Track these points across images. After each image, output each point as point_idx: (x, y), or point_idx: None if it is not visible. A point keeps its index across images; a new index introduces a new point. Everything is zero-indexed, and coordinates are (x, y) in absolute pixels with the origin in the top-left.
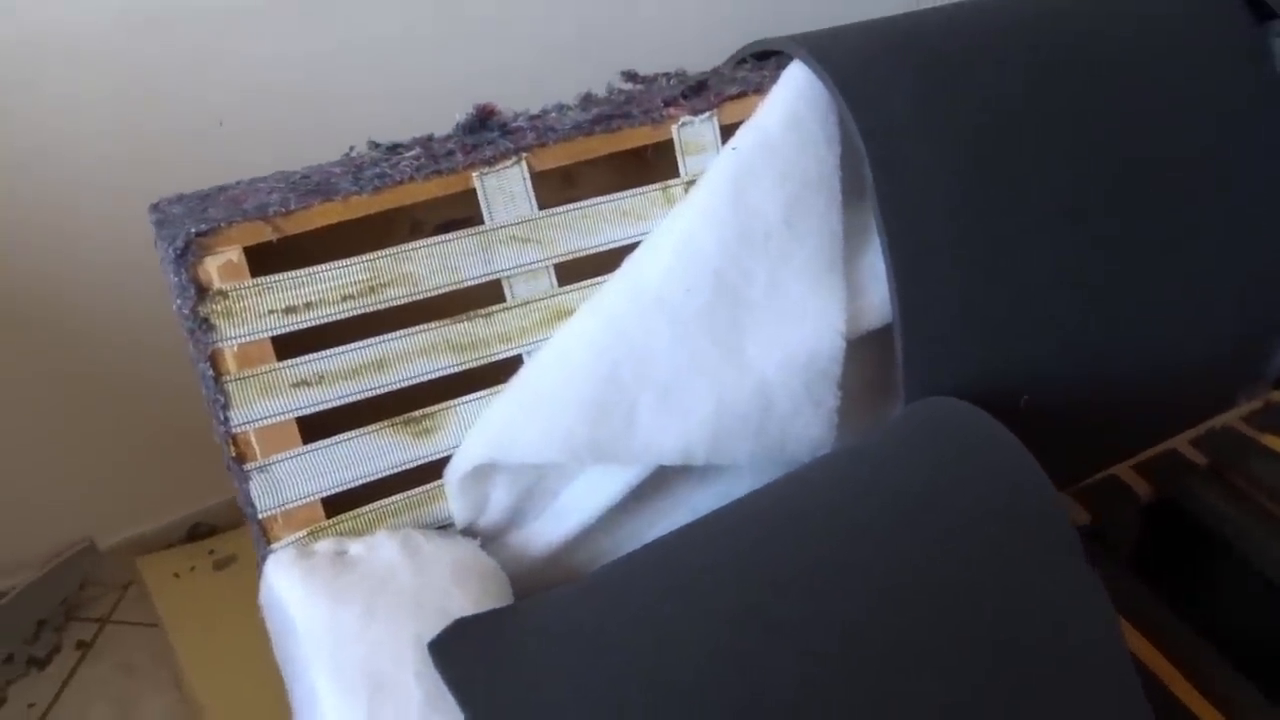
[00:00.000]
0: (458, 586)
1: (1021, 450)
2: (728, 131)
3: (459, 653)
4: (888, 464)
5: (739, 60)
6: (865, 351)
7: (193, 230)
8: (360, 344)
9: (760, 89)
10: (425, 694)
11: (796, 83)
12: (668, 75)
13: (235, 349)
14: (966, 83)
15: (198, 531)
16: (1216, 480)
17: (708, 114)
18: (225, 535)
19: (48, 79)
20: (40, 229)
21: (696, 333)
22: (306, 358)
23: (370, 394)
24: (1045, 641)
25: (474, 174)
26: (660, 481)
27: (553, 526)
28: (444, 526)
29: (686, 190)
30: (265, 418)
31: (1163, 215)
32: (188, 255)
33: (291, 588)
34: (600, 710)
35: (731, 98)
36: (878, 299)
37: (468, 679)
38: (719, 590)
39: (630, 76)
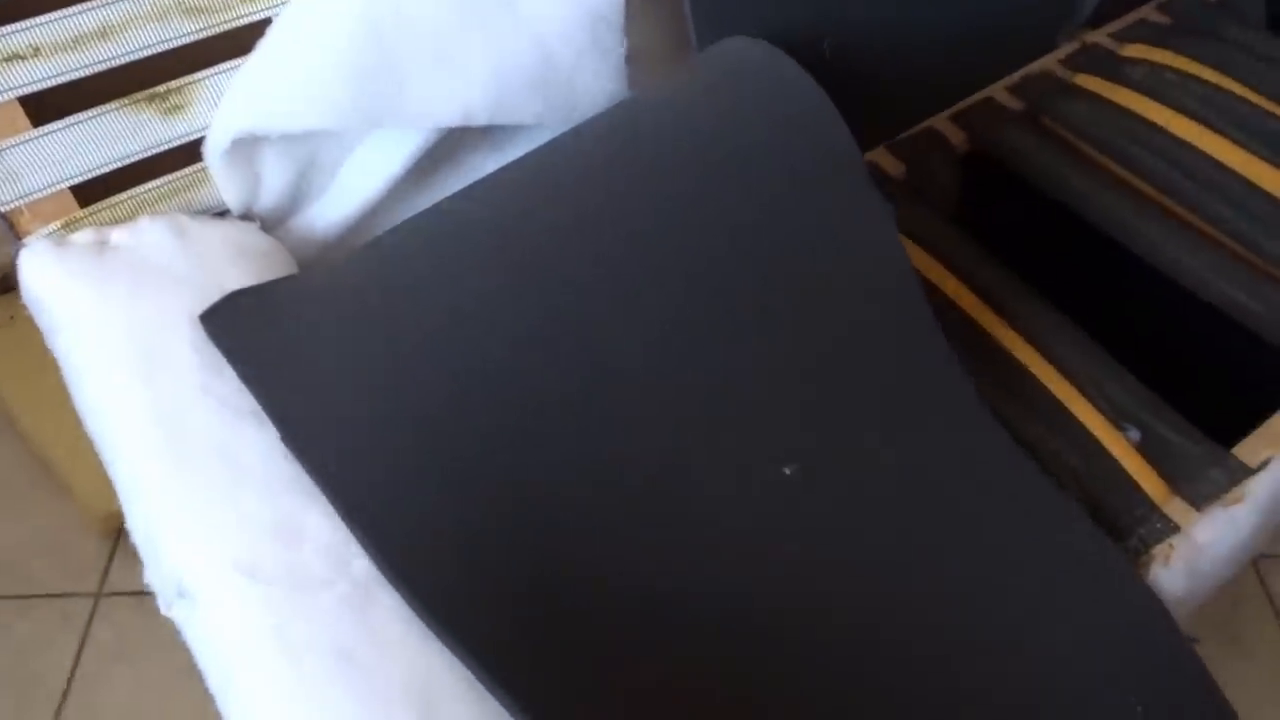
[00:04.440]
0: (233, 265)
1: (805, 77)
2: None
3: (233, 323)
4: (675, 105)
5: None
6: (657, 4)
7: None
8: (76, 8)
9: None
10: (204, 360)
11: None
12: None
13: None
14: None
15: (9, 283)
16: (1030, 124)
17: None
18: None
19: None
20: None
21: None
22: (12, 26)
23: (100, 68)
24: (835, 261)
25: None
26: (450, 151)
27: (336, 204)
28: (221, 215)
29: None
30: None
31: None
32: None
33: (47, 280)
34: (380, 363)
35: None
36: None
37: (243, 347)
38: (505, 242)
39: None
